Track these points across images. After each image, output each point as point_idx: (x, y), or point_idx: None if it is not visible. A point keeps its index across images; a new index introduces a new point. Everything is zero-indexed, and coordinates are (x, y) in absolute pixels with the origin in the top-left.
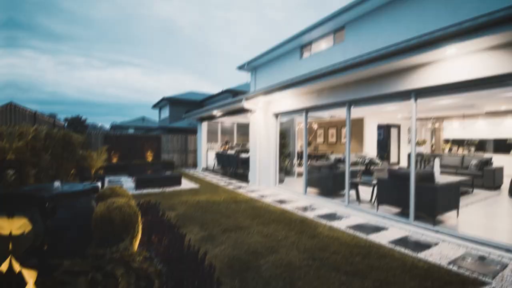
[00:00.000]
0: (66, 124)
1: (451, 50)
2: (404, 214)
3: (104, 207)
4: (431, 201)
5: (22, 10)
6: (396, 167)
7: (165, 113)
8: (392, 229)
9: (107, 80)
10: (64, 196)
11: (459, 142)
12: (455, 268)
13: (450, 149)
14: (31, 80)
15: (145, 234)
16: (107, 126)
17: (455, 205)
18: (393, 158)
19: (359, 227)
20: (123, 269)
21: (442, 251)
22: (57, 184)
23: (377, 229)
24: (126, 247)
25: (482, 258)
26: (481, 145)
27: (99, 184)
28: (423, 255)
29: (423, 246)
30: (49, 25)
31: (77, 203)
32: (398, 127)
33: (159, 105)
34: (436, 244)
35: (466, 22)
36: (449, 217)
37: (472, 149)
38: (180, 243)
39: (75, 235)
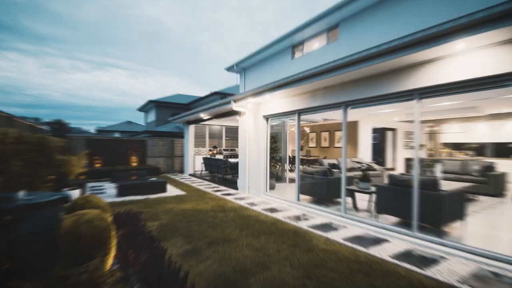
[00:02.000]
0: (49, 128)
1: (461, 45)
2: (406, 224)
3: (72, 221)
4: (436, 210)
5: (5, 11)
6: (396, 173)
7: (151, 116)
8: (394, 241)
9: (93, 83)
10: (27, 207)
11: (457, 146)
12: None
13: (450, 154)
14: (16, 83)
15: (122, 249)
16: (92, 130)
17: (461, 215)
18: (389, 163)
19: (358, 239)
20: None
21: (451, 267)
22: (21, 193)
23: (377, 241)
24: (97, 267)
25: (496, 275)
26: (480, 149)
27: (79, 191)
28: (431, 272)
29: (430, 261)
30: (33, 26)
31: (43, 215)
32: (394, 130)
33: (145, 109)
34: (443, 258)
35: (479, 12)
36: (455, 227)
37: (471, 153)
38: (161, 259)
39: (39, 253)
